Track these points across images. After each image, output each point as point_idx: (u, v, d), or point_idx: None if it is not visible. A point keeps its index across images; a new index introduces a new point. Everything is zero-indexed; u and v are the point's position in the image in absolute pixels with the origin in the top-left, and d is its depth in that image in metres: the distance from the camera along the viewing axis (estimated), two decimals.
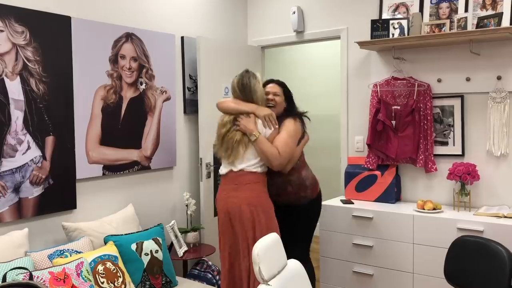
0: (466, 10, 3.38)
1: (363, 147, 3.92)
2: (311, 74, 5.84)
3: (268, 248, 1.92)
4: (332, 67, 5.43)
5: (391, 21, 3.56)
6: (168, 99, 3.75)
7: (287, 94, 3.21)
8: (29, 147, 2.85)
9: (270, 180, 3.07)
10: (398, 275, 3.34)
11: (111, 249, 2.82)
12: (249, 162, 2.96)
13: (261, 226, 2.89)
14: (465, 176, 3.27)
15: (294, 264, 2.12)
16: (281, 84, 3.22)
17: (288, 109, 3.19)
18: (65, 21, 3.03)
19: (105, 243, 2.92)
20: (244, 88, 2.99)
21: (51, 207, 2.97)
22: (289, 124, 3.06)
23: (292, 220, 3.14)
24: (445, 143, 3.55)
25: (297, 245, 3.09)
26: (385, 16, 3.73)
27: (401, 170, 3.75)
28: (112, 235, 2.97)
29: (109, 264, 2.70)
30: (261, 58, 4.53)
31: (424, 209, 3.31)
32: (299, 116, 3.18)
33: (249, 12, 4.61)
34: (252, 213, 2.90)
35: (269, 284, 1.88)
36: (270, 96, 3.12)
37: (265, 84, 3.19)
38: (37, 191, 2.89)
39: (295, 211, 3.15)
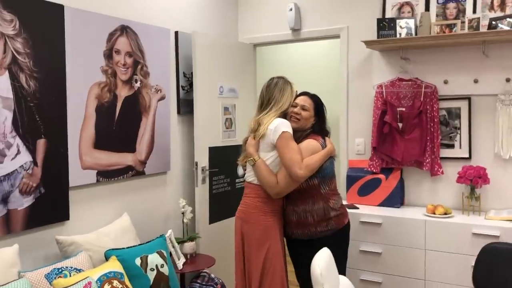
0: (474, 11, 3.33)
1: (364, 150, 3.80)
2: (307, 75, 5.44)
3: (328, 266, 1.73)
4: (329, 67, 5.13)
5: (397, 20, 3.45)
6: (162, 98, 3.46)
7: (318, 109, 2.81)
8: (18, 152, 2.50)
9: (293, 206, 2.73)
10: (409, 282, 3.23)
11: (115, 265, 2.52)
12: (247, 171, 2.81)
13: (250, 241, 2.70)
14: (476, 179, 3.21)
15: (345, 281, 1.94)
16: (314, 98, 2.83)
17: (315, 127, 2.79)
18: (58, 9, 2.69)
19: (107, 258, 2.62)
20: (268, 86, 2.78)
21: (42, 219, 2.62)
22: (305, 147, 2.68)
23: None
24: (451, 146, 3.48)
25: None
26: (388, 15, 3.62)
27: (405, 173, 3.65)
28: (113, 249, 2.67)
29: (115, 283, 2.41)
30: (253, 56, 4.31)
31: (434, 213, 3.23)
32: (323, 136, 2.80)
33: (243, 8, 4.37)
34: (242, 228, 2.75)
35: None
36: (296, 109, 2.75)
37: (297, 96, 2.83)
38: (27, 201, 2.54)
39: (318, 245, 2.57)
